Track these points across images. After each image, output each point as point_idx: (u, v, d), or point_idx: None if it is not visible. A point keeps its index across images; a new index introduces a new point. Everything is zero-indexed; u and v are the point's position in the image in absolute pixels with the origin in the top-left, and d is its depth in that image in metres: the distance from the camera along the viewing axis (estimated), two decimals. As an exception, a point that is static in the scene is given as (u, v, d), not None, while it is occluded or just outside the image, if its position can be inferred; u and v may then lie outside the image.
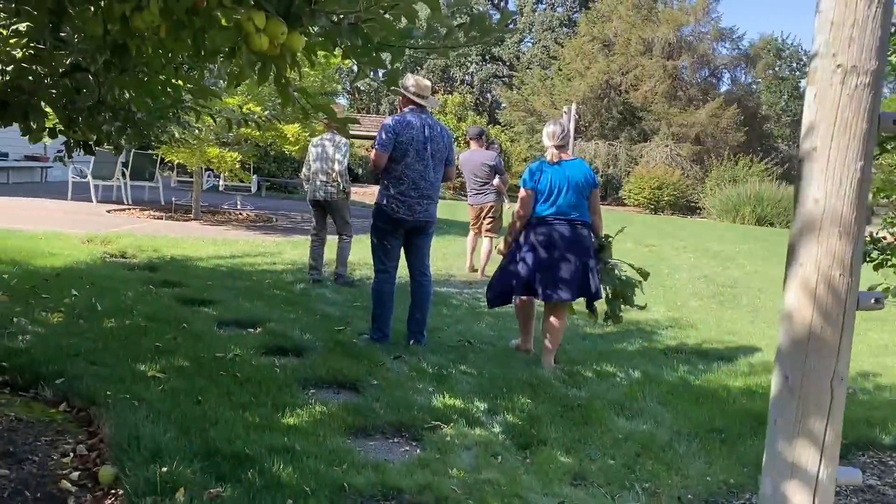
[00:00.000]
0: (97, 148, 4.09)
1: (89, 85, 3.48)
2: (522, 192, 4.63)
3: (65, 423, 3.25)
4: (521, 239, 4.66)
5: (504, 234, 4.97)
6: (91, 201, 12.50)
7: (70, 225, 9.33)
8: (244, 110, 4.33)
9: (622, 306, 4.80)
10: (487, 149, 8.82)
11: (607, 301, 4.80)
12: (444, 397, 3.80)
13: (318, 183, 6.95)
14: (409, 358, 4.50)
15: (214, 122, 4.27)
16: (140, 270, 6.59)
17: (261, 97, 10.68)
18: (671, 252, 12.75)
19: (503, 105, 39.34)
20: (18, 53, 2.80)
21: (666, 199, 27.95)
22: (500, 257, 4.94)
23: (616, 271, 4.78)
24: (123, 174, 13.44)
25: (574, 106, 22.93)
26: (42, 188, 14.67)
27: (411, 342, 4.81)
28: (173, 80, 3.47)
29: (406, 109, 4.84)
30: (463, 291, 7.20)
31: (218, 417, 3.22)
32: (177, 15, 2.30)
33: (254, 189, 14.12)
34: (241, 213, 13.21)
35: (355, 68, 2.90)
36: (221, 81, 4.42)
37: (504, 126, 33.11)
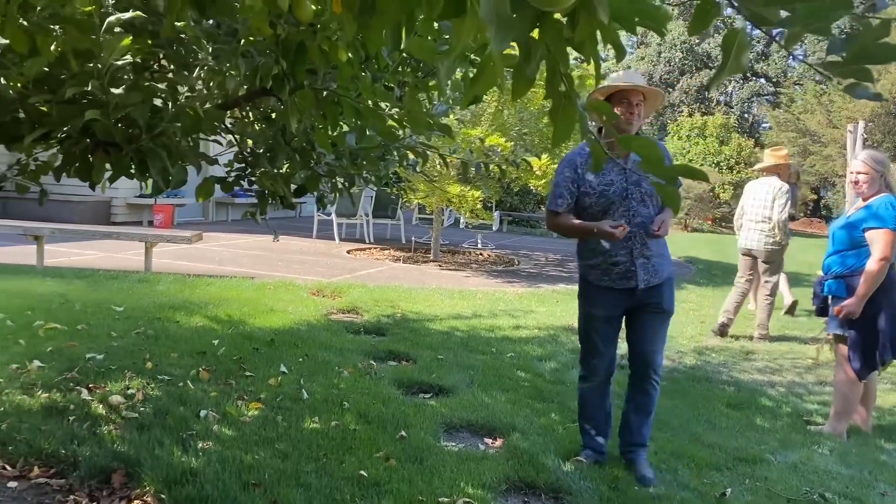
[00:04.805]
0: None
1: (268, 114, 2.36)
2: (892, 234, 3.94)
3: None
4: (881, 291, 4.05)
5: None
6: (334, 239, 12.26)
7: (306, 269, 8.82)
8: (485, 144, 3.08)
9: None
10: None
11: None
12: None
13: (751, 231, 6.60)
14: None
15: (446, 165, 3.00)
16: (366, 334, 5.59)
17: (506, 125, 9.49)
18: None
19: (764, 124, 35.30)
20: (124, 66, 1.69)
21: None
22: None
23: None
24: (367, 212, 13.12)
25: (861, 124, 19.25)
26: (294, 224, 14.90)
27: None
28: (381, 106, 2.23)
29: None
30: (774, 385, 5.26)
31: None
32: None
33: (495, 227, 13.10)
34: (481, 254, 12.22)
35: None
36: (451, 110, 3.14)
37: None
